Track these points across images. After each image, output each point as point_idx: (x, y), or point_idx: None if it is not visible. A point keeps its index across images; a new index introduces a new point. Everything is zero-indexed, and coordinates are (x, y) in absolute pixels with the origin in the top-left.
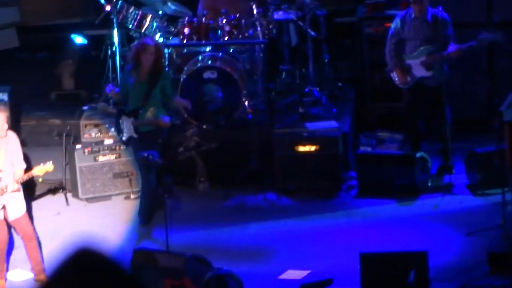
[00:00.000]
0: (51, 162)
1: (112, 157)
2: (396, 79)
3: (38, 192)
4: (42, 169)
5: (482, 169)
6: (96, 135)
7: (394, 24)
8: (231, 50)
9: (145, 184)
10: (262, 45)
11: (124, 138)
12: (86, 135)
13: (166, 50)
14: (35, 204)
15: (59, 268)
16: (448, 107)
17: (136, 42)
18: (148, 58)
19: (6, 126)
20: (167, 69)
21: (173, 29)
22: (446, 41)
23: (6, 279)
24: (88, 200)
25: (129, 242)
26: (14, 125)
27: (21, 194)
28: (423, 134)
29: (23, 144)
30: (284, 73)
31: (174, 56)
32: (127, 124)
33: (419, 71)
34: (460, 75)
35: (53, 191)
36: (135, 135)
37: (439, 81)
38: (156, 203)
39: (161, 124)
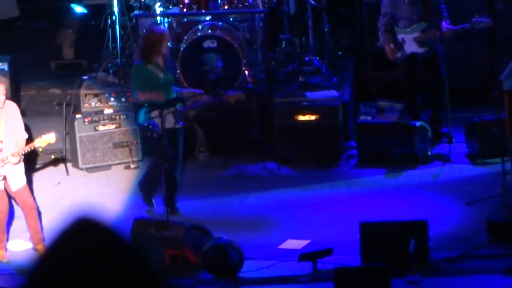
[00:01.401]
0: (53, 133)
1: (112, 126)
2: (387, 53)
3: (38, 162)
4: (44, 141)
5: (482, 139)
6: (96, 105)
7: (385, 8)
8: (231, 19)
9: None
10: (262, 14)
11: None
12: (86, 105)
13: (166, 20)
14: (35, 174)
15: (58, 238)
16: (444, 76)
17: (146, 33)
18: (167, 45)
19: (3, 98)
20: None
21: None
22: (439, 16)
23: (6, 249)
24: (88, 169)
25: (129, 211)
26: (14, 95)
27: (22, 165)
28: (421, 104)
29: (23, 114)
30: (284, 42)
31: (174, 25)
32: (167, 118)
33: (412, 47)
34: (461, 44)
35: (53, 161)
36: (178, 125)
37: (432, 53)
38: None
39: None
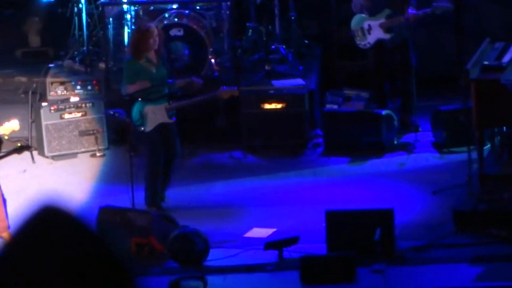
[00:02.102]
0: (16, 120)
1: (78, 114)
2: (357, 40)
3: (3, 149)
4: (7, 128)
5: (448, 127)
6: (62, 93)
7: None
8: (197, 8)
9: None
10: (229, 3)
11: (148, 129)
12: (52, 93)
13: (132, 8)
14: (0, 161)
15: (23, 226)
16: (412, 64)
17: (134, 29)
18: (157, 41)
19: None
20: None
21: None
22: (406, 3)
23: None
24: (54, 157)
25: (95, 199)
26: None
27: None
28: (389, 92)
29: None
30: (250, 30)
31: (141, 13)
32: (153, 114)
33: (378, 33)
34: (427, 32)
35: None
36: (168, 121)
37: (399, 40)
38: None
39: (230, 94)
